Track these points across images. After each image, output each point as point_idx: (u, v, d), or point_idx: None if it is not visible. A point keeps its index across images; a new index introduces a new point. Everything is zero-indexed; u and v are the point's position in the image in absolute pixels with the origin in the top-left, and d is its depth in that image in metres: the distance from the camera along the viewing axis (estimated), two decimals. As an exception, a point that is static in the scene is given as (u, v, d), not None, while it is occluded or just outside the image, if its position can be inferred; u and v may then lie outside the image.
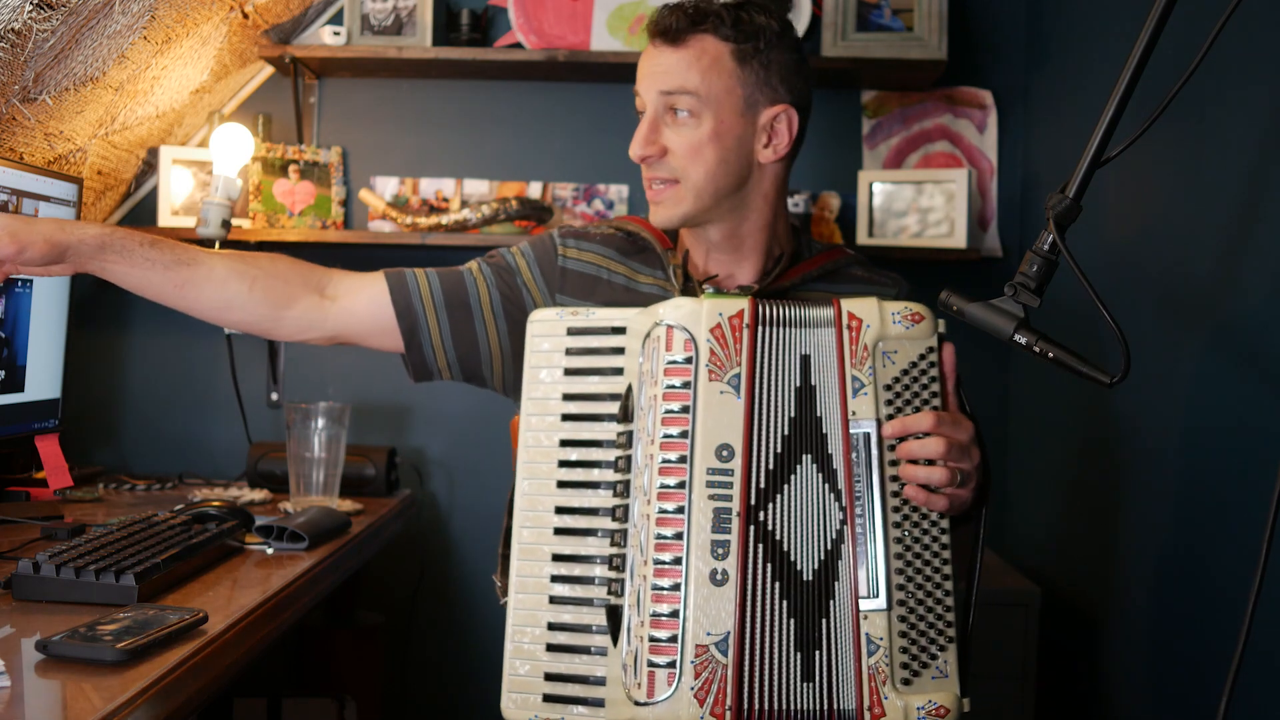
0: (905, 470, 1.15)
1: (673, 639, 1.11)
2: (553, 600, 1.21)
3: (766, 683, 1.11)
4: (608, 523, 1.21)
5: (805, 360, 1.17)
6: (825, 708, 1.12)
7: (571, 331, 1.26)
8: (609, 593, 1.20)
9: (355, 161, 2.59)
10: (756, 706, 1.10)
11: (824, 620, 1.13)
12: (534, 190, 2.56)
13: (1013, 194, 2.56)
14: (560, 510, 1.23)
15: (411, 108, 2.59)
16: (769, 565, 1.13)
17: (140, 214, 2.57)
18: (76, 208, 1.97)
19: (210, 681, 1.21)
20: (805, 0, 2.45)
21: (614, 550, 1.20)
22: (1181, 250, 1.73)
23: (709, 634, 1.11)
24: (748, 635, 1.11)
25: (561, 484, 1.23)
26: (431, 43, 2.46)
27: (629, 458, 1.21)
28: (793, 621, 1.13)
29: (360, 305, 1.43)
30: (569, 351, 1.25)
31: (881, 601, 1.13)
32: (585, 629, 1.20)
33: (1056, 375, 1.14)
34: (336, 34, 2.46)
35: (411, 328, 1.43)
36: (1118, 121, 1.10)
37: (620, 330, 1.24)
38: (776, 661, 1.12)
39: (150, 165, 2.52)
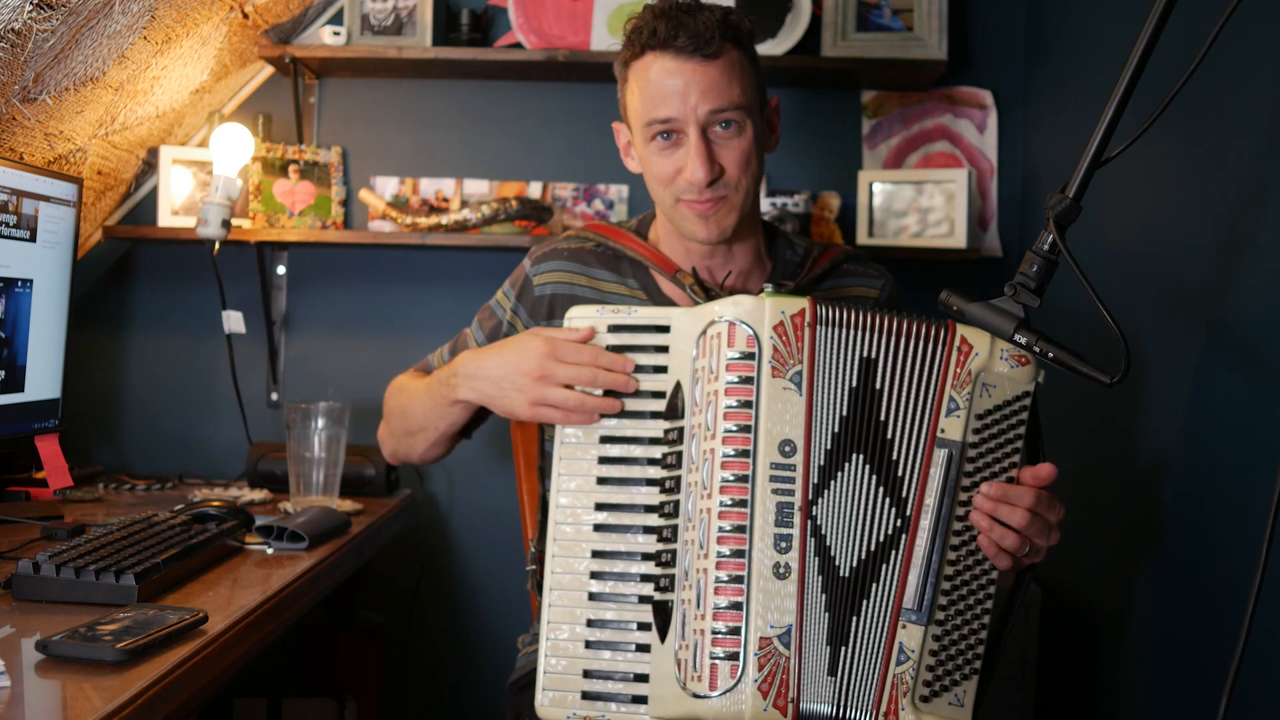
0: (978, 519, 1.15)
1: (734, 631, 1.11)
2: (592, 597, 1.21)
3: (806, 675, 1.11)
4: (653, 519, 1.21)
5: (868, 364, 1.17)
6: (841, 704, 1.12)
7: (613, 329, 1.26)
8: (656, 589, 1.19)
9: (355, 161, 2.59)
10: (802, 699, 1.11)
11: (854, 618, 1.14)
12: (534, 190, 2.56)
13: (1013, 194, 2.56)
14: (600, 507, 1.23)
15: (411, 108, 2.59)
16: (817, 559, 1.14)
17: (140, 214, 2.57)
18: (76, 208, 1.97)
19: (210, 681, 1.21)
20: (805, 0, 2.45)
21: (662, 546, 1.20)
22: (1181, 250, 1.73)
23: (772, 627, 1.11)
24: (805, 628, 1.12)
25: (602, 480, 1.23)
26: (431, 43, 2.46)
27: (679, 454, 1.21)
28: (828, 615, 1.13)
29: None
30: (610, 349, 1.26)
31: (923, 615, 1.13)
32: (627, 625, 1.19)
33: (1056, 375, 1.14)
34: (336, 34, 2.46)
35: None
36: (1118, 121, 1.10)
37: (664, 329, 1.24)
38: (812, 653, 1.12)
39: (150, 165, 2.52)
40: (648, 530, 1.21)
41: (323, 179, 2.54)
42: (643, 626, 1.18)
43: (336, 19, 2.54)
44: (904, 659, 1.12)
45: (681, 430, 1.21)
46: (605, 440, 1.24)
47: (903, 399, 1.17)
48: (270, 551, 1.70)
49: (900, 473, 1.15)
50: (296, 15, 2.44)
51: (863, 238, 2.48)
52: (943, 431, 1.15)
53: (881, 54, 2.43)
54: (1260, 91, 1.51)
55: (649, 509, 1.21)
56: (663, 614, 1.17)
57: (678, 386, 1.22)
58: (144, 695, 1.06)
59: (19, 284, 1.83)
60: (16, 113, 1.83)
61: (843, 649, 1.12)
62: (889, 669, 1.12)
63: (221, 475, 2.49)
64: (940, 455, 1.15)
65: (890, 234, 2.48)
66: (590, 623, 1.20)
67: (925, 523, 1.14)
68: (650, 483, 1.22)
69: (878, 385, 1.17)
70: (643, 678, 1.17)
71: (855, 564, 1.14)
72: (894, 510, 1.15)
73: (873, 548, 1.14)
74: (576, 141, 2.58)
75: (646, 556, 1.20)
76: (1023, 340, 1.12)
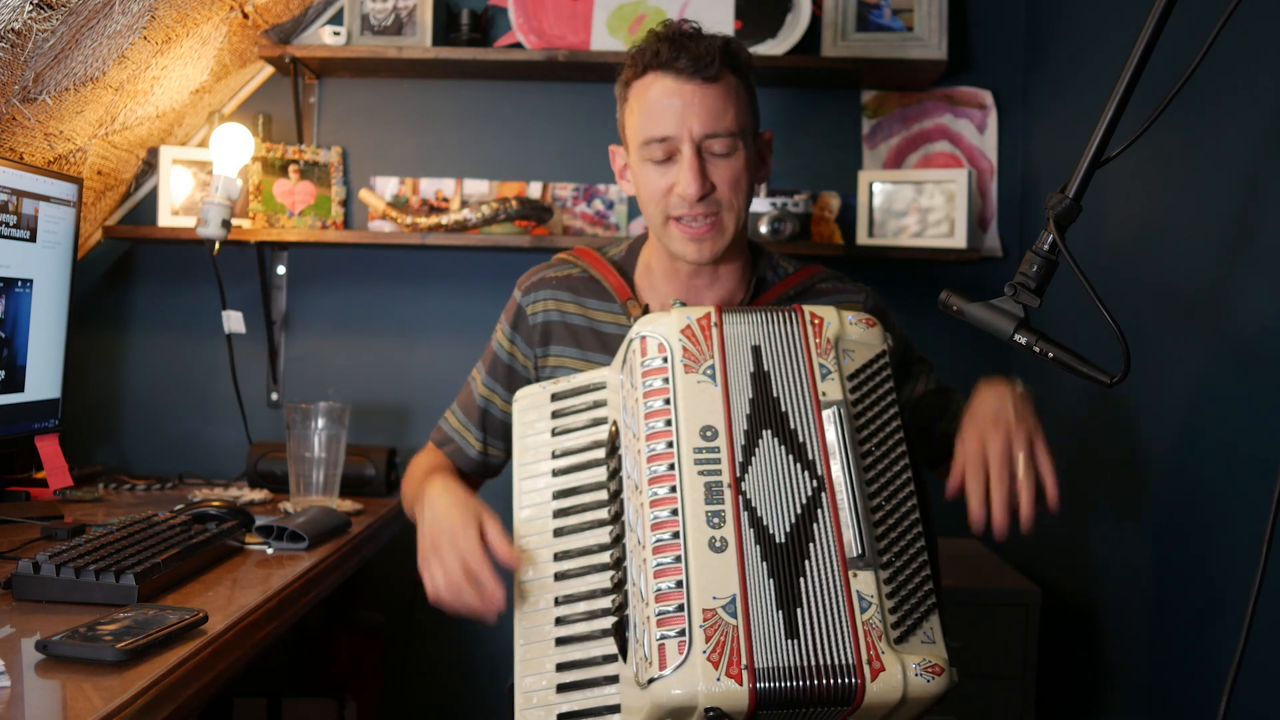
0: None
1: (679, 609, 1.12)
2: (559, 642, 1.25)
3: (760, 641, 1.12)
4: (606, 557, 1.25)
5: (755, 350, 1.26)
6: (819, 663, 1.12)
7: (555, 397, 1.37)
8: (613, 612, 1.21)
9: (355, 161, 2.59)
10: (757, 665, 1.11)
11: (801, 579, 1.15)
12: (534, 190, 2.57)
13: (1013, 194, 2.56)
14: (559, 556, 1.29)
15: (411, 108, 2.59)
16: (752, 530, 1.16)
17: (140, 214, 2.57)
18: (76, 207, 1.97)
19: (210, 681, 1.21)
20: (805, 0, 2.45)
21: (614, 572, 1.23)
22: (1181, 250, 1.73)
23: (715, 598, 1.12)
24: (750, 597, 1.13)
25: (558, 532, 1.30)
26: (431, 43, 2.46)
27: (621, 480, 1.25)
28: (771, 582, 1.14)
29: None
30: (555, 415, 1.36)
31: (869, 560, 1.16)
32: (593, 662, 1.22)
33: (1056, 375, 1.14)
34: (336, 34, 2.46)
35: (475, 464, 1.67)
36: (1118, 121, 1.10)
37: (600, 386, 1.34)
38: (763, 620, 1.13)
39: (150, 165, 2.52)
40: (606, 567, 1.25)
41: (323, 179, 2.54)
42: (609, 659, 1.21)
43: (336, 19, 2.54)
44: (866, 605, 1.14)
45: (620, 461, 1.26)
46: (558, 495, 1.32)
47: (786, 375, 1.25)
48: (270, 551, 1.70)
49: (801, 439, 1.21)
50: (296, 15, 2.44)
51: (863, 238, 2.48)
52: (824, 394, 1.23)
53: (881, 54, 2.43)
54: (1260, 91, 1.51)
55: (603, 547, 1.27)
56: (620, 633, 1.20)
57: (615, 425, 1.30)
58: (144, 695, 1.06)
59: (19, 284, 1.83)
60: (16, 113, 1.83)
61: (798, 610, 1.13)
62: (855, 617, 1.13)
63: (221, 475, 2.49)
64: (829, 414, 1.22)
65: (890, 234, 2.48)
66: (560, 666, 1.24)
67: (839, 477, 1.19)
68: (602, 523, 1.28)
69: (765, 368, 1.25)
70: (615, 709, 1.20)
71: (788, 529, 1.17)
72: (807, 473, 1.20)
73: (799, 511, 1.18)
74: (576, 141, 2.58)
75: (607, 591, 1.24)
76: (1022, 340, 1.12)
